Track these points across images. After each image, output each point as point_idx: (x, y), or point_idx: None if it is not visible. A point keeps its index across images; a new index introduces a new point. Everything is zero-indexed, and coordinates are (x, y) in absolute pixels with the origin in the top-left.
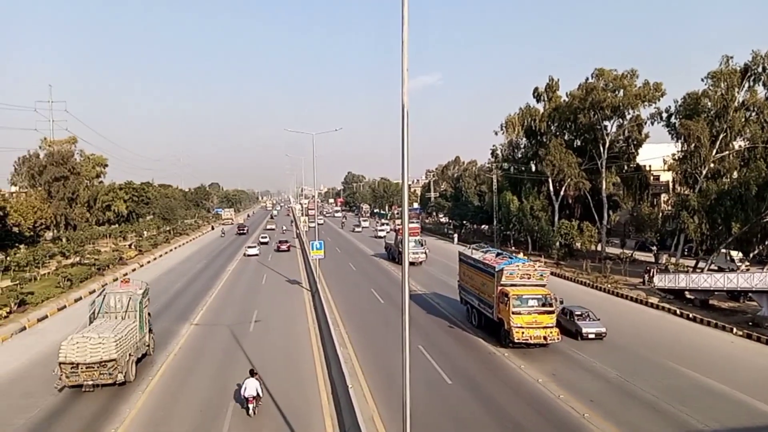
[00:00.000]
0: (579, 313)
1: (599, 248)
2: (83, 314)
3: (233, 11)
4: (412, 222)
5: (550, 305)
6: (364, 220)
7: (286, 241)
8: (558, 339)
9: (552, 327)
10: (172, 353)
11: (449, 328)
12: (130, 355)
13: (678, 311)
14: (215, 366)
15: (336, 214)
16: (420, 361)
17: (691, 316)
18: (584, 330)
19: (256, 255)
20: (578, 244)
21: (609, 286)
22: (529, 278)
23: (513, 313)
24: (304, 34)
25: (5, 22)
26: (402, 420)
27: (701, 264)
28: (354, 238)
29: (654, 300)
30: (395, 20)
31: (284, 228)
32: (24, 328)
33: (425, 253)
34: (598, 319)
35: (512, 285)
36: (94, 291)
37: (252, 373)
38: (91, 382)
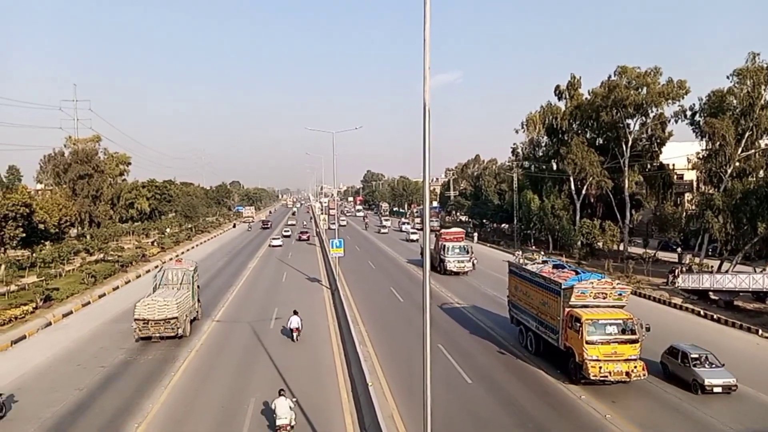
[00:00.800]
0: (696, 355)
1: (621, 248)
2: (107, 310)
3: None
4: (439, 224)
5: (633, 332)
6: (386, 219)
7: (307, 232)
8: (644, 375)
9: (636, 360)
10: (194, 349)
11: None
12: (186, 316)
13: (702, 312)
14: (236, 363)
15: (357, 214)
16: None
17: (715, 317)
18: (706, 381)
19: (280, 246)
20: (600, 244)
21: (631, 286)
22: (604, 298)
23: (587, 342)
24: (325, 33)
25: (34, 25)
26: (423, 419)
27: (725, 264)
28: (380, 241)
29: (677, 300)
30: (415, 18)
31: (304, 223)
32: (49, 324)
33: (472, 262)
34: (723, 365)
35: (584, 306)
36: (117, 288)
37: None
38: (158, 335)
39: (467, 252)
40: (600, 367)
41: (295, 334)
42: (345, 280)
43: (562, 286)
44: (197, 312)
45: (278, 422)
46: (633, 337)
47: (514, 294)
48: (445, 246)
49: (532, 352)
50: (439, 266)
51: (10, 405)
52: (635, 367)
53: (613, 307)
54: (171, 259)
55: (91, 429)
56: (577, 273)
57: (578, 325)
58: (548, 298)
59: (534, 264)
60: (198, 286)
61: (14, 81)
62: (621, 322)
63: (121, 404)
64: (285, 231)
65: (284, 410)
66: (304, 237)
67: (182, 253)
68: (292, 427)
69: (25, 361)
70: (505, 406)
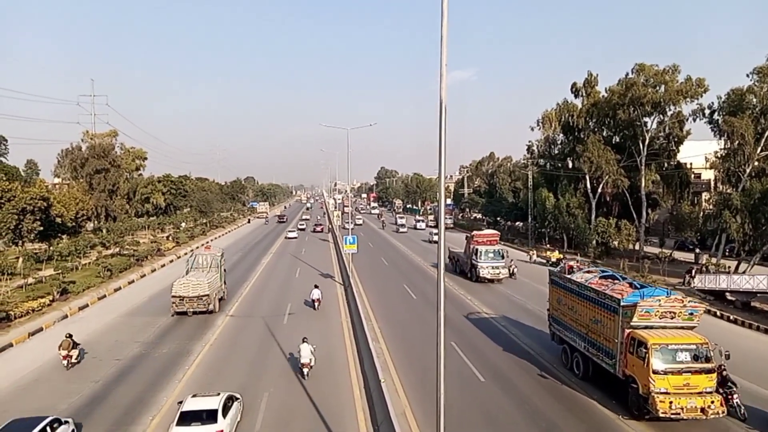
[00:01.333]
0: None
1: (637, 247)
2: (123, 303)
3: (271, 8)
4: (452, 221)
5: (708, 360)
6: (401, 217)
7: (321, 225)
8: (723, 412)
9: (712, 393)
10: (208, 343)
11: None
12: (215, 294)
13: (718, 313)
14: (250, 357)
15: (373, 211)
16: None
17: (732, 318)
18: None
19: (295, 238)
20: (615, 243)
21: (704, 304)
22: (672, 318)
23: (654, 372)
24: (341, 30)
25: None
26: (436, 416)
27: (743, 265)
28: (399, 242)
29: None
30: (431, 14)
31: (318, 218)
32: (66, 316)
33: (508, 268)
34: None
35: (648, 327)
36: (133, 281)
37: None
38: (191, 310)
39: (503, 257)
40: (671, 402)
41: (316, 304)
42: (358, 279)
43: (621, 303)
44: (224, 292)
45: (302, 360)
46: (708, 365)
47: (556, 308)
48: (477, 250)
49: (579, 375)
50: (470, 272)
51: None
52: (711, 402)
53: (682, 328)
54: (198, 246)
55: (107, 421)
56: (633, 286)
57: (643, 350)
58: (602, 315)
59: (580, 273)
60: (225, 270)
61: (32, 76)
62: (694, 347)
63: (136, 397)
64: (300, 224)
65: (306, 352)
66: (318, 229)
67: (197, 247)
68: (311, 367)
69: (42, 353)
70: (518, 405)
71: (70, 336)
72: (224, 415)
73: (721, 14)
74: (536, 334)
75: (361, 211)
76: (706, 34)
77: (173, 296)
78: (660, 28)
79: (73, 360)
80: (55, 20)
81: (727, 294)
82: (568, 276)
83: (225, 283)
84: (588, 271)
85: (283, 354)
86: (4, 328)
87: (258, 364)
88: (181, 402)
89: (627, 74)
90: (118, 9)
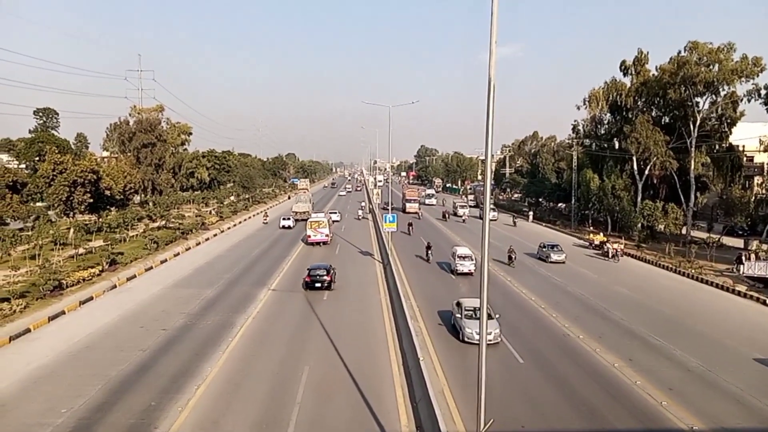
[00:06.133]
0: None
1: (684, 231)
2: (169, 275)
3: None
4: (492, 201)
5: None
6: (462, 206)
7: (360, 188)
8: None
9: None
10: (251, 317)
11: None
12: (309, 212)
13: (767, 301)
14: (291, 331)
15: (427, 201)
16: None
17: None
18: None
19: (344, 195)
20: (661, 227)
21: (693, 271)
22: None
23: None
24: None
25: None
26: (477, 397)
27: None
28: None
29: (741, 288)
30: None
31: (357, 188)
32: (114, 286)
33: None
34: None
35: None
36: (178, 254)
37: None
38: (300, 219)
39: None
40: None
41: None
42: (397, 256)
43: None
44: (310, 214)
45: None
46: None
47: None
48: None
49: None
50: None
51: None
52: None
53: None
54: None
55: (154, 388)
56: None
57: None
58: None
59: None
60: (312, 202)
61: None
62: None
63: (182, 366)
64: (348, 187)
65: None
66: (359, 189)
67: (240, 222)
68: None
69: (93, 321)
70: (558, 388)
71: None
72: None
73: None
74: (574, 317)
75: (410, 200)
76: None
77: (293, 211)
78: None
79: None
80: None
81: None
82: None
83: (313, 207)
84: None
85: (323, 328)
86: (57, 296)
87: (299, 338)
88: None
89: (679, 52)
90: None
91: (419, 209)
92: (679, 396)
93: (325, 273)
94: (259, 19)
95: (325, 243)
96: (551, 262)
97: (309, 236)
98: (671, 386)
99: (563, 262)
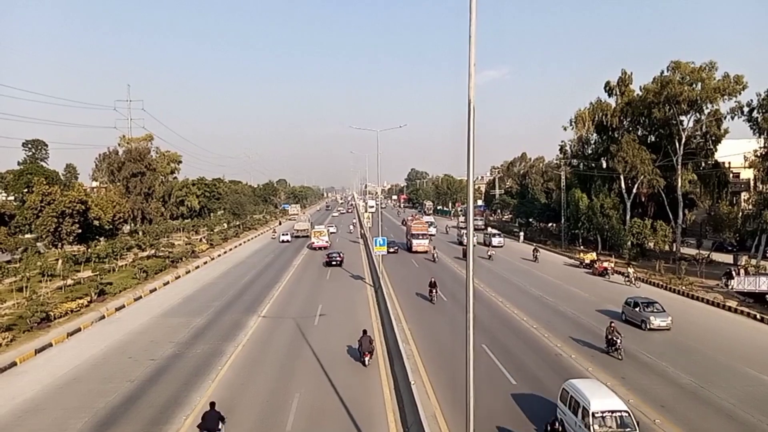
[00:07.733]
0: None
1: (674, 248)
2: (158, 304)
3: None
4: (483, 222)
5: None
6: (494, 234)
7: (350, 210)
8: None
9: None
10: (241, 344)
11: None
12: (308, 231)
13: (758, 316)
14: (281, 359)
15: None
16: None
17: None
18: None
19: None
20: (651, 244)
21: (684, 287)
22: None
23: None
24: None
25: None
26: (465, 420)
27: None
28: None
29: (732, 303)
30: (463, 13)
31: (348, 210)
32: (103, 317)
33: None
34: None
35: None
36: (168, 283)
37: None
38: (300, 236)
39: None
40: None
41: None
42: (388, 279)
43: None
44: (309, 233)
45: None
46: None
47: None
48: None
49: None
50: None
51: None
52: None
53: None
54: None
55: (142, 419)
56: None
57: None
58: None
59: None
60: (311, 222)
61: (72, 82)
62: None
63: (171, 396)
64: (340, 209)
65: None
66: (350, 211)
67: (230, 249)
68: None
69: (80, 353)
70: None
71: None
72: None
73: (760, 9)
74: (567, 336)
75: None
76: (743, 30)
77: (295, 229)
78: (697, 25)
79: None
80: (94, 26)
81: None
82: None
83: (313, 226)
84: None
85: (314, 355)
86: (44, 329)
87: (289, 365)
88: None
89: (662, 72)
90: (154, 12)
91: (433, 248)
92: (672, 413)
93: (337, 255)
94: (248, 47)
95: (325, 247)
96: (650, 329)
97: (313, 242)
98: (663, 404)
99: (668, 329)
